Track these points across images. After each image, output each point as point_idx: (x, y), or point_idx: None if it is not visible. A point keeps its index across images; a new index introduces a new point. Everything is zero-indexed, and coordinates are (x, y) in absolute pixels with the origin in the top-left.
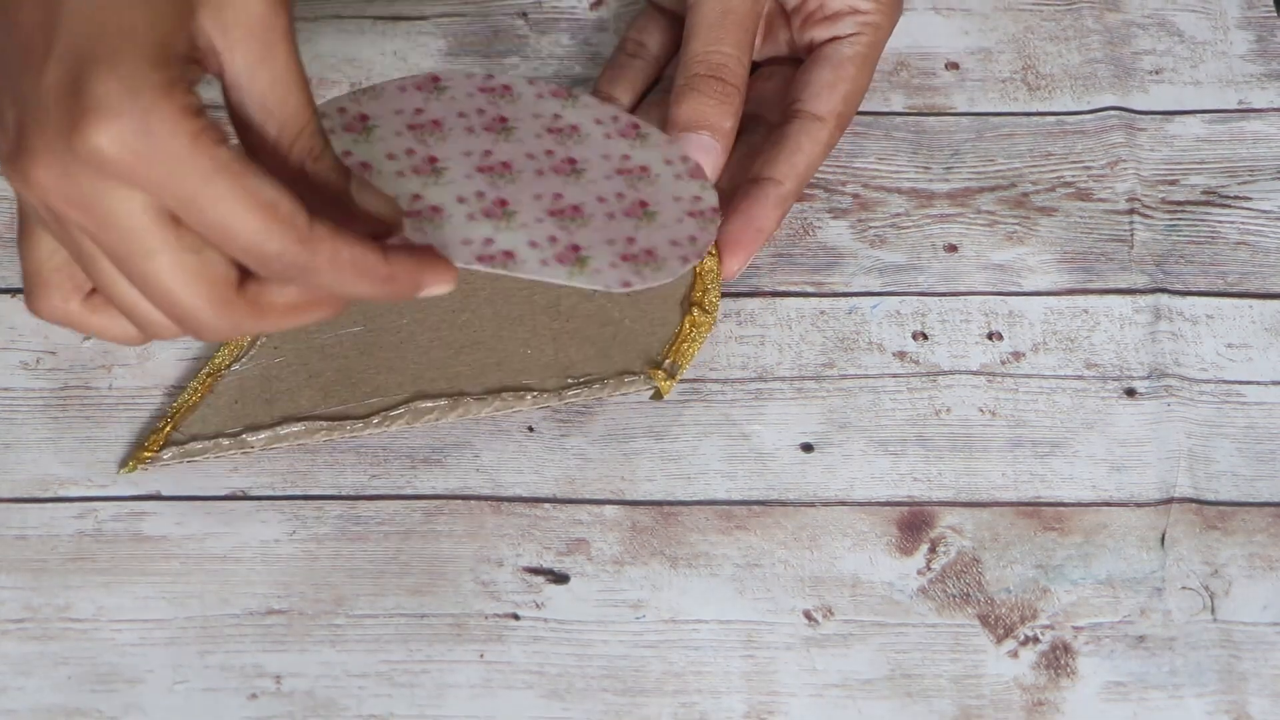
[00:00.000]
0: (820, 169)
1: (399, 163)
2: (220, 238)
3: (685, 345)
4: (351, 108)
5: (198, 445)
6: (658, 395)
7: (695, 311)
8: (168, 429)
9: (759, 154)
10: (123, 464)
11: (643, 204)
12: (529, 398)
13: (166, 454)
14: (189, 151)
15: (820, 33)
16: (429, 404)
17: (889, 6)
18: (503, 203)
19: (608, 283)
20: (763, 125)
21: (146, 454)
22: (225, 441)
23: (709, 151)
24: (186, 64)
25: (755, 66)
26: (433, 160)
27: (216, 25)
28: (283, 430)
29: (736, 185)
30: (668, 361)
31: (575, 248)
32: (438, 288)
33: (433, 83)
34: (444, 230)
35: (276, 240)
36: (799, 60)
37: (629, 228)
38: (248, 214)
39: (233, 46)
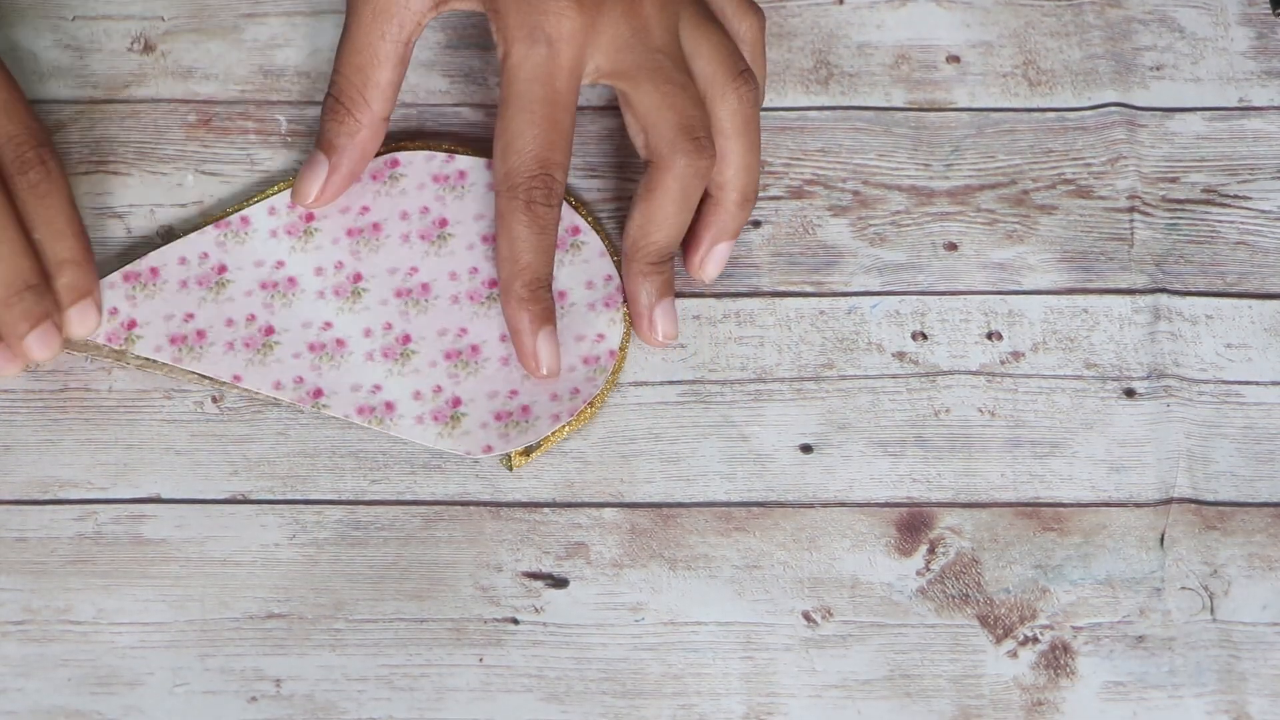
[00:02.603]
0: (820, 166)
1: (324, 279)
2: None
3: (559, 432)
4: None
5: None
6: (509, 467)
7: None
8: None
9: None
10: None
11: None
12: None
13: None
14: None
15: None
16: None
17: (512, 30)
18: (405, 339)
19: (469, 448)
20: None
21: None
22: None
23: (317, 167)
24: None
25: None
26: (357, 278)
27: None
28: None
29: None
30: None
31: (455, 401)
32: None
33: (389, 169)
34: (339, 370)
35: None
36: None
37: (517, 378)
38: None
39: None
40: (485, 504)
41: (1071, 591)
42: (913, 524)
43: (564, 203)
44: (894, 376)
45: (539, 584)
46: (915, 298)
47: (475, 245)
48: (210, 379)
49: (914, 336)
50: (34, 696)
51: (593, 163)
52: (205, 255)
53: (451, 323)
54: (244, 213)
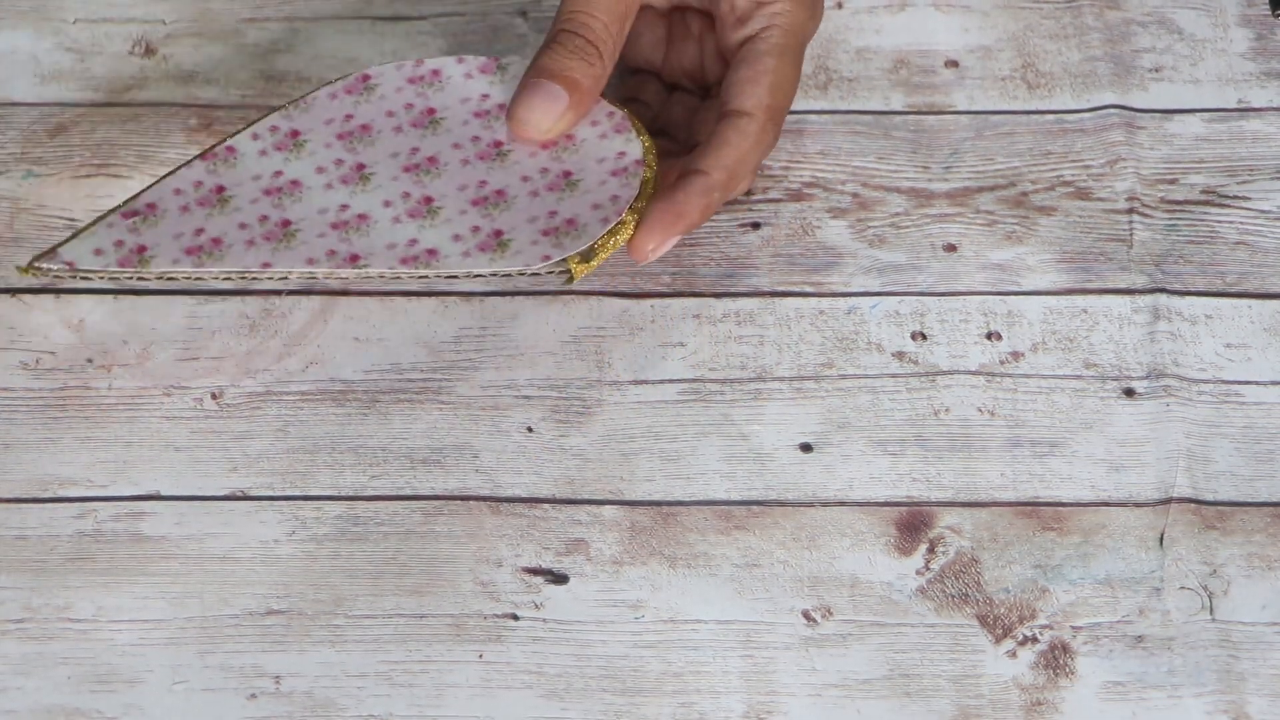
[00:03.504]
0: (819, 169)
1: (328, 175)
2: None
3: (608, 238)
4: (283, 125)
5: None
6: (570, 279)
7: (628, 214)
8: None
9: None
10: (25, 266)
11: (567, 174)
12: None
13: (56, 265)
14: None
15: (735, 35)
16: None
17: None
18: (428, 200)
19: (527, 261)
20: (677, 145)
21: (37, 259)
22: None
23: (556, 99)
24: None
25: (671, 90)
26: (360, 167)
27: None
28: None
29: None
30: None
31: (498, 233)
32: None
33: (363, 83)
34: (369, 237)
35: None
36: (707, 90)
37: (552, 201)
38: None
39: None
40: (485, 499)
41: (1071, 591)
42: (912, 523)
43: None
44: (894, 376)
45: (539, 580)
46: (915, 298)
47: (469, 121)
48: (238, 274)
49: (913, 336)
50: (34, 695)
51: None
52: (199, 183)
53: (469, 179)
54: (228, 143)
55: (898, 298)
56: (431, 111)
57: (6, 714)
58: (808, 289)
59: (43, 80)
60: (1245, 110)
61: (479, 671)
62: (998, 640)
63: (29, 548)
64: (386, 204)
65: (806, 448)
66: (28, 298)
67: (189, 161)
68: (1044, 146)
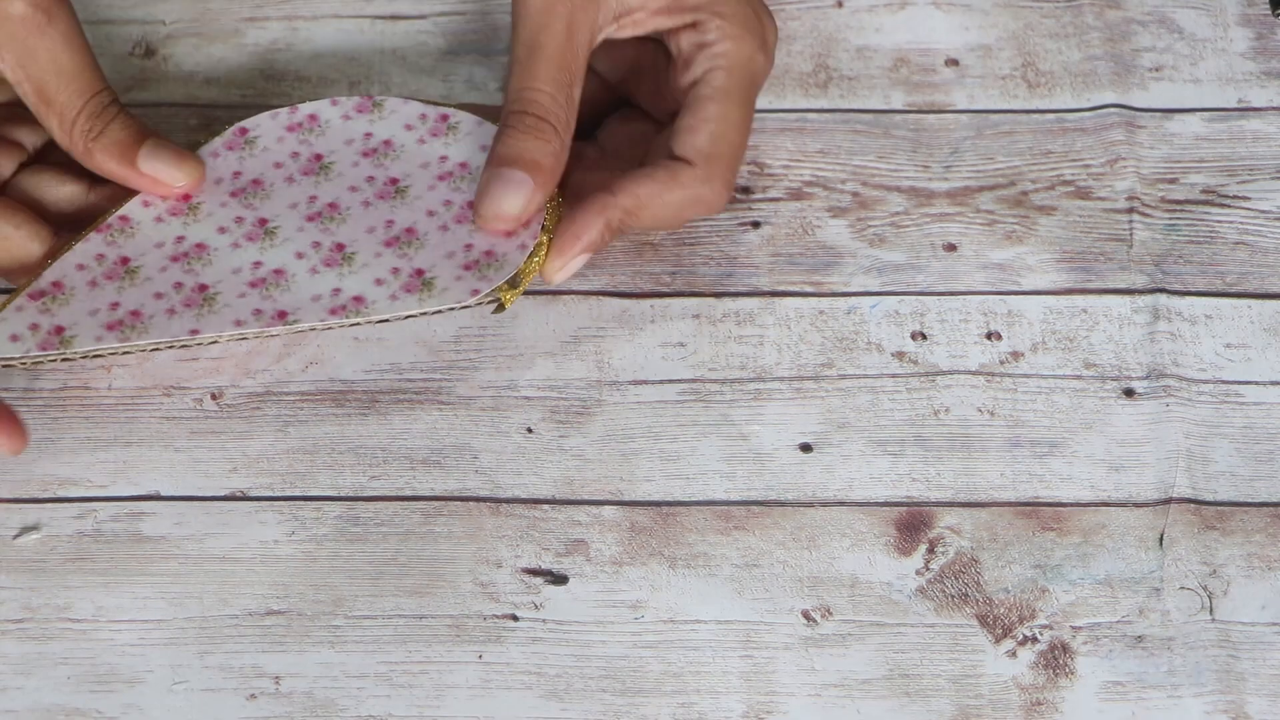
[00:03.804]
0: (819, 168)
1: (231, 234)
2: None
3: (529, 261)
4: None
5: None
6: (500, 308)
7: (542, 234)
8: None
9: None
10: None
11: (470, 205)
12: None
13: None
14: None
15: (682, 80)
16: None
17: (738, 33)
18: (339, 247)
19: (457, 298)
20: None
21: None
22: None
23: (521, 186)
24: None
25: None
26: (263, 223)
27: None
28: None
29: None
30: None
31: (419, 272)
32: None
33: (241, 137)
34: (291, 292)
35: (6, 267)
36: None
37: (464, 235)
38: None
39: (8, 58)
40: (484, 500)
41: (1070, 591)
42: (912, 523)
43: (423, 104)
44: (893, 376)
45: (539, 580)
46: (914, 298)
47: (359, 162)
48: (166, 344)
49: (913, 336)
50: (33, 695)
51: None
52: (101, 256)
53: (375, 220)
54: (120, 213)
55: (898, 297)
56: (319, 158)
57: (6, 714)
58: (808, 289)
59: None
60: (1245, 110)
61: (479, 672)
62: (997, 640)
63: (29, 548)
64: (299, 255)
65: (806, 448)
66: None
67: (84, 235)
68: (1044, 146)
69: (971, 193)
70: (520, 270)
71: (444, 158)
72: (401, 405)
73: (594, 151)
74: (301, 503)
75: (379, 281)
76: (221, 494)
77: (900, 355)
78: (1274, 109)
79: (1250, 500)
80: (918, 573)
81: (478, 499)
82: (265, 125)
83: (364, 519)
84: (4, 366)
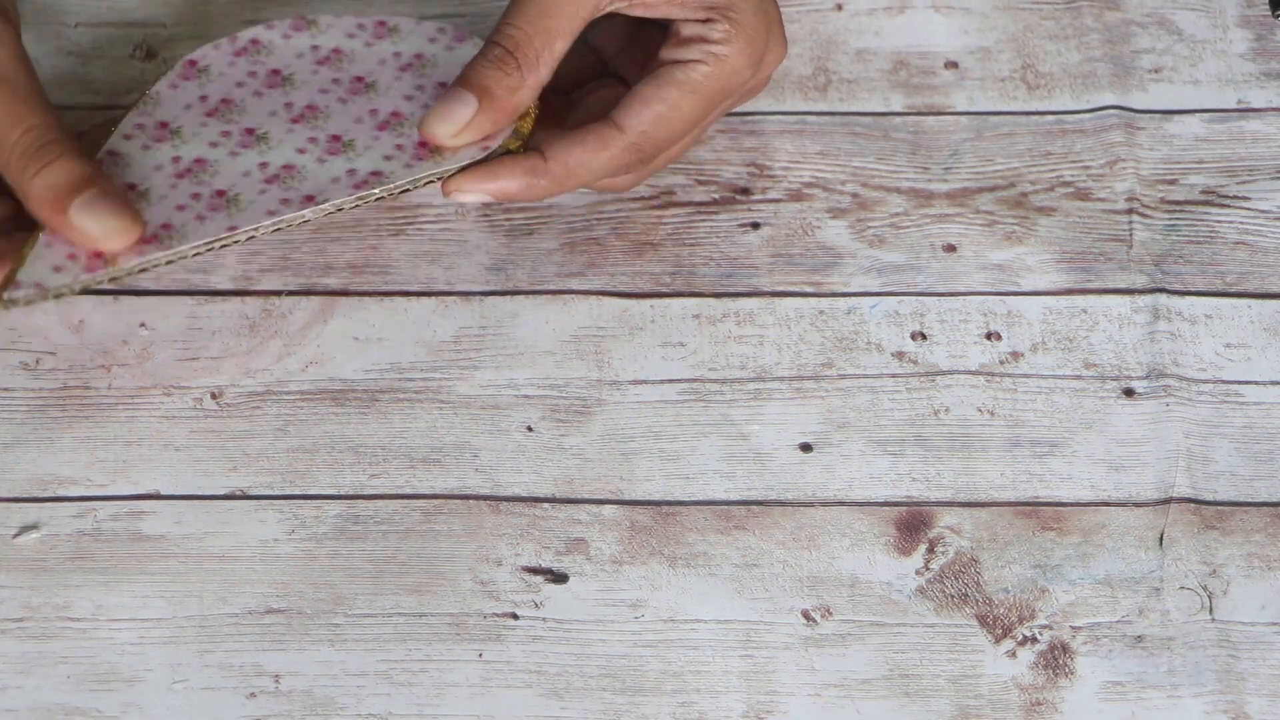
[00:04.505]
0: (819, 169)
1: (225, 145)
2: None
3: (528, 116)
4: (147, 120)
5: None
6: (522, 145)
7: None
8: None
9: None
10: None
11: (442, 85)
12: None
13: (23, 292)
14: None
15: (667, 54)
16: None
17: (743, 45)
18: (336, 138)
19: (470, 155)
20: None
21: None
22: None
23: (465, 107)
24: None
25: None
26: (250, 131)
27: None
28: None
29: None
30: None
31: (423, 144)
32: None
33: (192, 68)
34: (308, 180)
35: None
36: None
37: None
38: None
39: None
40: (484, 498)
41: (1070, 591)
42: (912, 523)
43: (345, 16)
44: (893, 376)
45: (539, 579)
46: (914, 298)
47: (318, 70)
48: (206, 245)
49: (913, 336)
50: (33, 694)
51: None
52: None
53: (359, 111)
54: (107, 147)
55: (897, 298)
56: (276, 72)
57: (6, 713)
58: (807, 289)
59: (44, 84)
60: (1245, 111)
61: (478, 671)
62: (997, 640)
63: (28, 547)
64: (301, 151)
65: (806, 448)
66: None
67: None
68: (1043, 147)
69: (971, 194)
70: (519, 128)
71: (397, 53)
72: (401, 404)
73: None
74: (301, 501)
75: (388, 157)
76: (221, 493)
77: (900, 355)
78: (1273, 109)
79: (1250, 500)
80: (917, 573)
81: (478, 497)
82: (211, 55)
83: (364, 517)
84: (55, 297)
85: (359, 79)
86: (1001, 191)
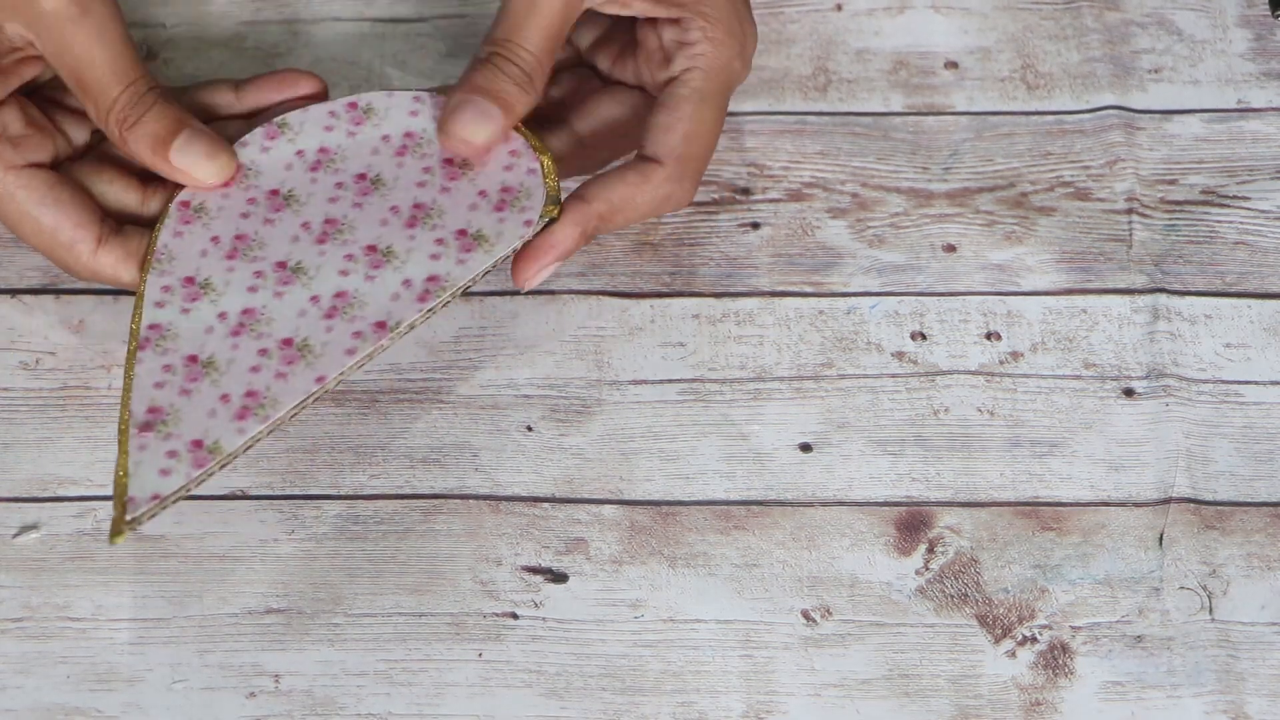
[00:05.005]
0: (819, 169)
1: (267, 287)
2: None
3: (550, 177)
4: (171, 281)
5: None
6: (556, 215)
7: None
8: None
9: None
10: (114, 533)
11: (449, 162)
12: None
13: (143, 510)
14: None
15: (659, 74)
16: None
17: (721, 37)
18: (372, 249)
19: (517, 234)
20: (602, 153)
21: (119, 520)
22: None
23: (491, 116)
24: None
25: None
26: (281, 266)
27: (22, 24)
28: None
29: None
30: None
31: (461, 232)
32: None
33: (187, 209)
34: (368, 305)
35: (60, 261)
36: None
37: (468, 188)
38: (30, 237)
39: (40, 41)
40: (484, 498)
41: (1070, 591)
42: (912, 523)
43: (311, 108)
44: (893, 376)
45: (538, 579)
46: (914, 298)
47: (317, 178)
48: (300, 405)
49: (913, 336)
50: (33, 694)
51: None
52: (167, 367)
53: (381, 213)
54: (146, 324)
55: (897, 298)
56: (275, 193)
57: (6, 713)
58: (807, 289)
59: None
60: (1245, 111)
61: (478, 670)
62: (997, 640)
63: (28, 547)
64: (344, 274)
65: (806, 447)
66: (28, 298)
67: (135, 359)
68: (1043, 147)
69: (971, 194)
70: (549, 188)
71: (386, 137)
72: (401, 404)
73: (568, 144)
74: (301, 501)
75: (435, 256)
76: (221, 493)
77: (900, 355)
78: (1273, 109)
79: (1250, 500)
80: (917, 573)
81: (477, 497)
82: (199, 193)
83: (364, 517)
84: (176, 501)
85: (361, 176)
86: (1001, 191)
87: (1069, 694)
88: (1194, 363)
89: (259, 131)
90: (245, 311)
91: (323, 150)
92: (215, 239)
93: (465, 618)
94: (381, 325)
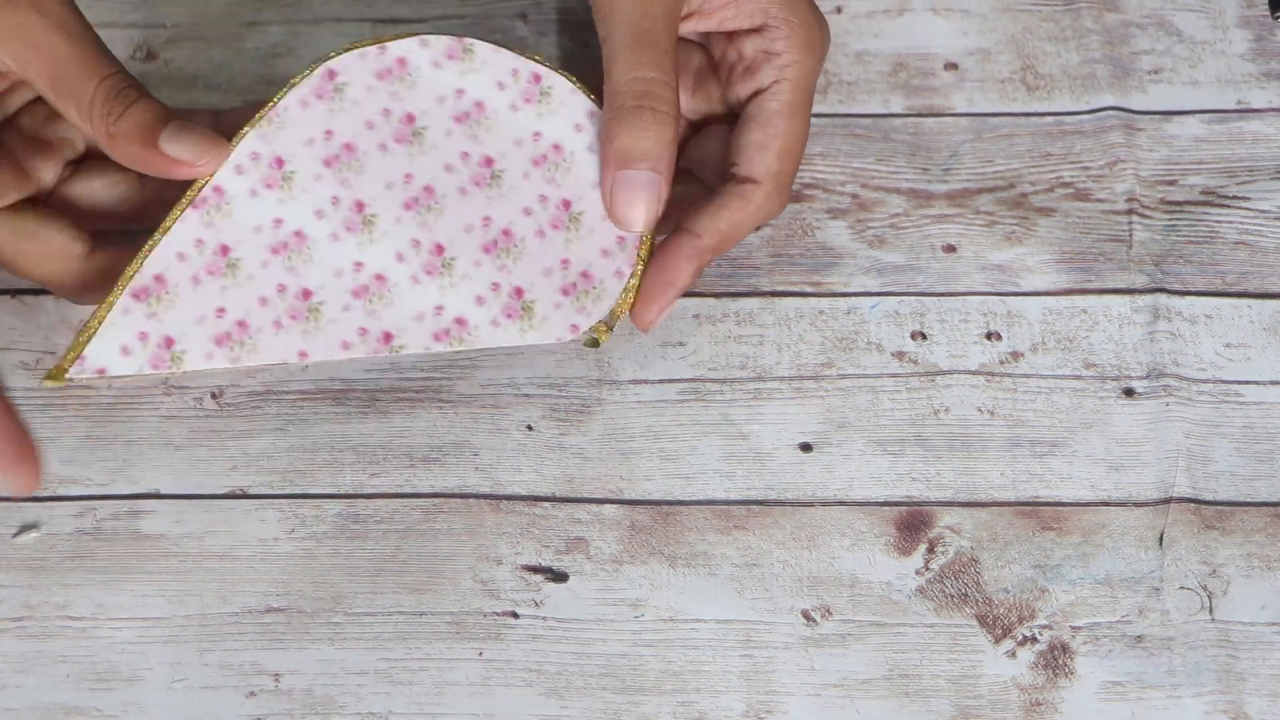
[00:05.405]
0: (819, 170)
1: (329, 220)
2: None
3: (624, 296)
4: (264, 150)
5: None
6: (596, 345)
7: (639, 266)
8: (83, 342)
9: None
10: (50, 377)
11: (566, 204)
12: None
13: (86, 374)
14: None
15: (743, 88)
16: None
17: (804, 45)
18: (439, 249)
19: (557, 332)
20: (696, 184)
21: (65, 365)
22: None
23: (650, 187)
24: None
25: (693, 124)
26: (360, 207)
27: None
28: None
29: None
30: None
31: (519, 292)
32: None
33: (330, 81)
34: (394, 306)
35: (56, 275)
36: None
37: (560, 245)
38: (27, 265)
39: (5, 49)
40: (485, 497)
41: (1070, 591)
42: (912, 523)
43: (515, 55)
44: (893, 376)
45: (539, 578)
46: (914, 298)
47: (452, 130)
48: (279, 365)
49: (913, 336)
50: (33, 693)
51: None
52: (200, 241)
53: (473, 216)
54: (214, 183)
55: (897, 298)
56: (411, 119)
57: (6, 712)
58: (807, 289)
59: None
60: (1245, 111)
61: (479, 669)
62: (997, 640)
63: (28, 546)
64: (400, 258)
65: (806, 447)
66: (28, 299)
67: (179, 214)
68: (1043, 148)
69: (971, 195)
70: (615, 306)
71: (537, 134)
72: (402, 403)
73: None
74: (301, 500)
75: (480, 300)
76: (221, 492)
77: (900, 355)
78: (1273, 110)
79: (1250, 500)
80: (917, 572)
81: (478, 496)
82: (354, 69)
83: (364, 516)
84: (114, 384)
85: (488, 161)
86: (1001, 192)
87: (1069, 694)
88: (1194, 363)
89: (444, 42)
90: (297, 233)
91: (479, 105)
92: (329, 132)
93: (465, 617)
94: (388, 338)
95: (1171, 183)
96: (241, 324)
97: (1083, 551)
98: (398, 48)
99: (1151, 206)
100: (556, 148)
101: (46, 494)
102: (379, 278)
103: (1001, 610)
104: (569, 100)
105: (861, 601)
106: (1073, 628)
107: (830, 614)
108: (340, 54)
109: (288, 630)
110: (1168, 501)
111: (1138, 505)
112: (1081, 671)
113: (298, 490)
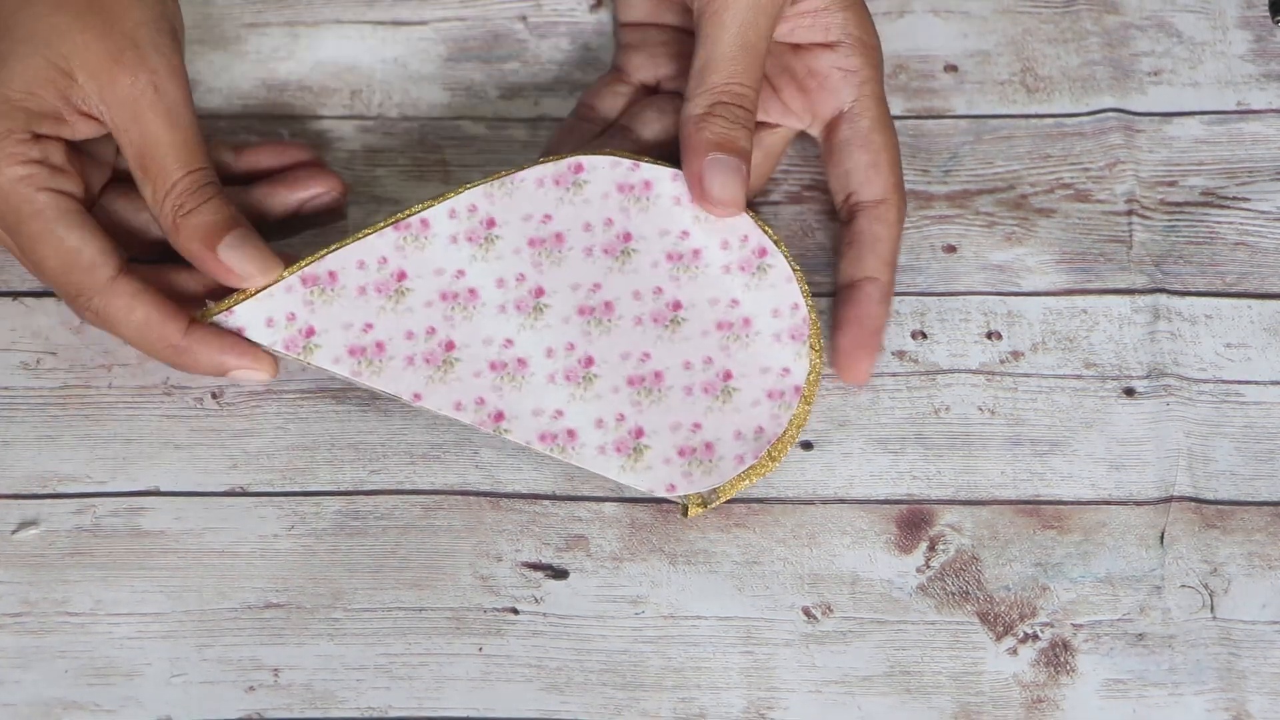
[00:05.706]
0: (818, 172)
1: (506, 292)
2: (35, 271)
3: (736, 482)
4: (483, 207)
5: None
6: (684, 513)
7: (814, 357)
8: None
9: (841, 258)
10: (204, 313)
11: (727, 375)
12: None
13: (229, 324)
14: (6, 193)
15: (823, 105)
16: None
17: (876, 61)
18: (589, 362)
19: (651, 484)
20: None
21: (215, 310)
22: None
23: (740, 171)
24: (41, 118)
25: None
26: (539, 293)
27: (95, 91)
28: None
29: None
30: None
31: (639, 432)
32: (249, 375)
33: (574, 174)
34: (520, 391)
35: (74, 284)
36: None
37: (700, 410)
38: (49, 258)
39: (109, 112)
40: (484, 494)
41: (1071, 589)
42: (913, 521)
43: (752, 222)
44: (894, 375)
45: (539, 574)
46: (915, 298)
47: (659, 263)
48: (388, 396)
49: (914, 335)
50: (32, 688)
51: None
52: (384, 260)
53: (634, 346)
54: (424, 215)
55: (898, 297)
56: (627, 238)
57: (5, 707)
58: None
59: None
60: (1244, 112)
61: (478, 665)
62: (998, 638)
63: (28, 543)
64: (549, 353)
65: (807, 445)
66: (29, 300)
67: (380, 228)
68: (1043, 150)
69: (971, 196)
70: (721, 489)
71: (735, 302)
72: (401, 402)
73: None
74: (301, 498)
75: (599, 423)
76: (221, 489)
77: (901, 354)
78: (1273, 111)
79: (1251, 499)
80: (918, 570)
81: (478, 493)
82: (601, 172)
83: (363, 513)
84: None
85: (677, 305)
86: (1001, 194)
87: (1070, 691)
88: (1194, 362)
89: (605, 159)
90: (472, 290)
91: (696, 253)
92: (548, 217)
93: (465, 612)
94: (499, 417)
95: (1171, 184)
96: (380, 345)
97: (1084, 550)
98: (650, 171)
99: (1151, 207)
100: (746, 321)
101: (46, 491)
102: (521, 362)
103: (1003, 608)
104: (781, 286)
105: (862, 599)
106: (1074, 625)
107: (831, 611)
108: (596, 155)
109: (287, 625)
110: (1168, 500)
111: (1139, 504)
112: (1083, 669)
113: (297, 487)
